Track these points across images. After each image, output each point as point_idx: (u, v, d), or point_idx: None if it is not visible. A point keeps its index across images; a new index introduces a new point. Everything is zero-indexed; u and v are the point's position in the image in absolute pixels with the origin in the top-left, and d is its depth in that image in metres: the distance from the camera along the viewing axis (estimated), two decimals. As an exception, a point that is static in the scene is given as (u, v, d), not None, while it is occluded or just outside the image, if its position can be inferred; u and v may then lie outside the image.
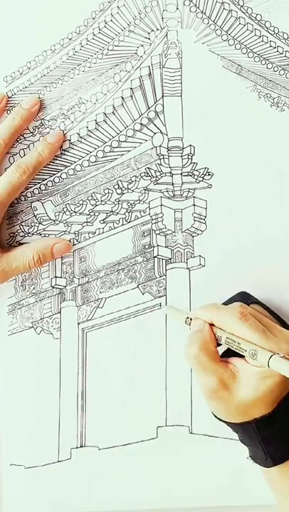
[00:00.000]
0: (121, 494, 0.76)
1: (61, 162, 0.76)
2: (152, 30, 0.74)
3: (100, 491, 0.76)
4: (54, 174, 0.76)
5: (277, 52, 0.74)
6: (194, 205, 0.75)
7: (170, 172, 0.75)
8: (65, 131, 0.76)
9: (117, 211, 0.76)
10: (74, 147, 0.76)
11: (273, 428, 0.65)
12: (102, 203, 0.76)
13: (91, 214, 0.77)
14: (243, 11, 0.74)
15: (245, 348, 0.63)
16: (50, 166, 0.76)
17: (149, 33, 0.74)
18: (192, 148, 0.75)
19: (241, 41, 0.74)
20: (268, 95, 0.75)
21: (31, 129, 0.76)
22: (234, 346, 0.64)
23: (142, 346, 0.75)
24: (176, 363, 0.75)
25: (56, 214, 0.77)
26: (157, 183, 0.75)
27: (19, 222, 0.77)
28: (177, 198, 0.75)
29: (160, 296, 0.75)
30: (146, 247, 0.75)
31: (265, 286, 0.74)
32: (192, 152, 0.75)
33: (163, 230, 0.75)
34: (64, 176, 0.76)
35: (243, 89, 0.75)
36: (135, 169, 0.75)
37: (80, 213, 0.77)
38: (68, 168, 0.76)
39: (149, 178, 0.75)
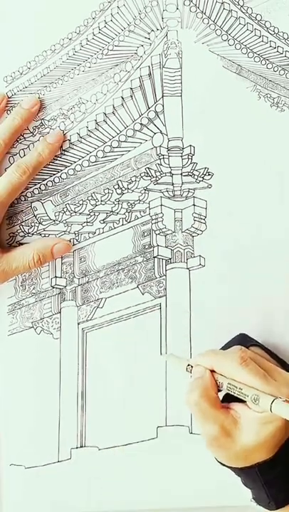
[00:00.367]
0: (121, 494, 0.76)
1: (61, 162, 0.76)
2: (152, 30, 0.74)
3: (100, 491, 0.76)
4: (54, 174, 0.76)
5: (277, 53, 0.74)
6: (194, 205, 0.75)
7: (170, 172, 0.75)
8: (65, 131, 0.76)
9: (117, 211, 0.76)
10: (74, 147, 0.76)
11: (276, 471, 0.65)
12: (102, 203, 0.76)
13: (91, 214, 0.77)
14: (243, 11, 0.74)
15: (247, 393, 0.63)
16: (50, 166, 0.76)
17: (149, 33, 0.74)
18: (192, 148, 0.75)
19: (241, 41, 0.74)
20: (268, 95, 0.75)
21: (31, 129, 0.76)
22: (236, 392, 0.64)
23: (142, 346, 0.75)
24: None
25: (56, 214, 0.77)
26: (157, 183, 0.75)
27: (19, 222, 0.77)
28: (177, 198, 0.75)
29: (160, 297, 0.75)
30: (146, 247, 0.75)
31: (265, 286, 0.75)
32: (192, 152, 0.75)
33: (163, 230, 0.75)
34: (64, 176, 0.76)
35: (243, 89, 0.75)
36: (135, 169, 0.75)
37: (80, 213, 0.77)
38: (68, 168, 0.76)
39: (149, 178, 0.75)
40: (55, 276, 0.77)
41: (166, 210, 0.75)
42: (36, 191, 0.77)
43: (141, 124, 0.75)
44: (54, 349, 0.77)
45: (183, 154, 0.75)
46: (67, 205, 0.77)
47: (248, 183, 0.75)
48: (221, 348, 0.71)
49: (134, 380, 0.75)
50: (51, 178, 0.76)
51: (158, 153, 0.75)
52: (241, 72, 0.75)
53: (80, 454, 0.76)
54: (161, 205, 0.75)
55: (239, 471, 0.66)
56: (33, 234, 0.77)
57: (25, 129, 0.75)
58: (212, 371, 0.66)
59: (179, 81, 0.74)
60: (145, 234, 0.75)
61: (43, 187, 0.77)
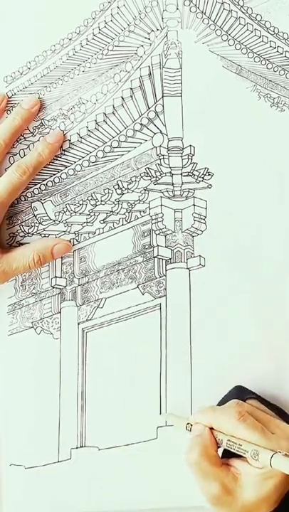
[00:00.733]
0: (121, 494, 0.76)
1: (61, 162, 0.76)
2: (152, 31, 0.74)
3: (100, 491, 0.76)
4: (54, 174, 0.76)
5: (278, 53, 0.74)
6: (194, 205, 0.75)
7: (170, 172, 0.75)
8: (65, 131, 0.76)
9: (117, 211, 0.76)
10: (74, 147, 0.76)
11: None
12: (102, 203, 0.76)
13: (91, 214, 0.77)
14: (243, 11, 0.74)
15: (247, 449, 0.63)
16: (50, 166, 0.76)
17: (149, 33, 0.74)
18: (192, 148, 0.75)
19: (241, 41, 0.74)
20: (268, 95, 0.75)
21: (31, 129, 0.76)
22: (236, 448, 0.64)
23: (141, 346, 0.75)
24: (175, 362, 0.75)
25: (56, 214, 0.77)
26: (157, 183, 0.75)
27: (19, 222, 0.77)
28: (177, 198, 0.75)
29: (160, 297, 0.75)
30: (147, 247, 0.75)
31: (265, 286, 0.75)
32: (192, 152, 0.75)
33: (163, 230, 0.75)
34: (64, 176, 0.76)
35: (243, 89, 0.75)
36: (135, 169, 0.75)
37: (80, 213, 0.77)
38: (68, 168, 0.76)
39: (149, 178, 0.75)
40: (55, 277, 0.77)
41: (166, 210, 0.75)
42: (36, 191, 0.77)
43: (141, 124, 0.75)
44: (54, 349, 0.77)
45: (183, 154, 0.75)
46: (67, 205, 0.77)
47: (248, 183, 0.75)
48: (219, 403, 0.71)
49: (134, 380, 0.75)
50: (51, 178, 0.76)
51: (158, 153, 0.75)
52: (241, 72, 0.75)
53: (80, 454, 0.76)
54: (161, 205, 0.75)
55: None
56: (33, 234, 0.77)
57: (26, 129, 0.75)
58: (211, 428, 0.66)
59: (179, 81, 0.74)
60: (145, 234, 0.75)
61: (43, 187, 0.77)
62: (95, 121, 0.75)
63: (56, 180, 0.76)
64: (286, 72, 0.75)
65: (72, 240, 0.77)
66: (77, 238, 0.77)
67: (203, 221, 0.75)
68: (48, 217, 0.77)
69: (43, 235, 0.77)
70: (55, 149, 0.75)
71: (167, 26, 0.74)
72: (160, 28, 0.74)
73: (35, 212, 0.77)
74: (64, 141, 0.76)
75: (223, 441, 0.65)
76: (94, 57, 0.75)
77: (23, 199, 0.77)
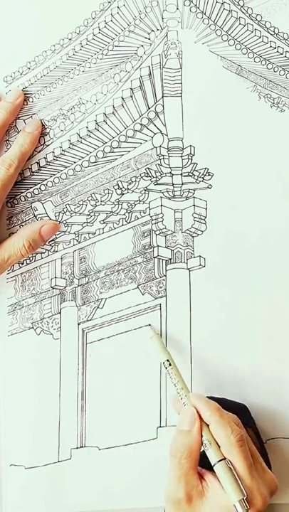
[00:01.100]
0: (121, 494, 0.76)
1: (61, 162, 0.76)
2: (152, 31, 0.74)
3: (100, 491, 0.76)
4: (54, 174, 0.76)
5: (278, 53, 0.74)
6: (194, 205, 0.75)
7: (170, 172, 0.75)
8: (65, 132, 0.76)
9: (117, 211, 0.76)
10: (74, 147, 0.76)
11: None
12: (102, 203, 0.76)
13: (91, 214, 0.77)
14: (243, 11, 0.74)
15: (207, 441, 0.65)
16: (50, 166, 0.76)
17: (149, 33, 0.74)
18: (192, 148, 0.75)
19: (241, 41, 0.74)
20: (268, 96, 0.74)
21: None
22: (207, 450, 0.65)
23: (141, 347, 0.75)
24: (175, 362, 0.75)
25: (56, 214, 0.77)
26: (157, 184, 0.75)
27: (19, 222, 0.77)
28: (177, 199, 0.75)
29: (160, 297, 0.75)
30: (147, 247, 0.75)
31: (265, 286, 0.75)
32: (192, 152, 0.75)
33: (163, 231, 0.75)
34: (64, 176, 0.76)
35: (243, 89, 0.74)
36: (135, 169, 0.75)
37: (80, 213, 0.77)
38: (68, 168, 0.76)
39: (149, 178, 0.75)
40: (55, 277, 0.77)
41: (166, 211, 0.75)
42: (36, 191, 0.77)
43: (141, 124, 0.75)
44: (54, 349, 0.77)
45: (183, 154, 0.75)
46: (67, 206, 0.77)
47: (248, 183, 0.75)
48: (220, 401, 0.70)
49: (134, 380, 0.75)
50: (51, 178, 0.76)
51: (158, 153, 0.75)
52: (241, 72, 0.75)
53: (80, 454, 0.76)
54: (161, 205, 0.75)
55: None
56: (33, 234, 0.77)
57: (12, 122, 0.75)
58: (201, 421, 0.66)
59: (179, 81, 0.74)
60: (145, 234, 0.75)
61: (43, 187, 0.77)
62: (95, 121, 0.75)
63: (56, 180, 0.76)
64: (286, 72, 0.75)
65: (72, 240, 0.77)
66: (77, 238, 0.77)
67: (203, 221, 0.75)
68: (48, 217, 0.77)
69: (43, 235, 0.77)
70: (35, 138, 0.75)
71: (167, 26, 0.74)
72: (160, 28, 0.74)
73: (35, 213, 0.77)
74: (64, 142, 0.76)
75: (207, 445, 0.66)
76: (94, 57, 0.75)
77: (23, 199, 0.77)
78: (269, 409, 0.74)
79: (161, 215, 0.75)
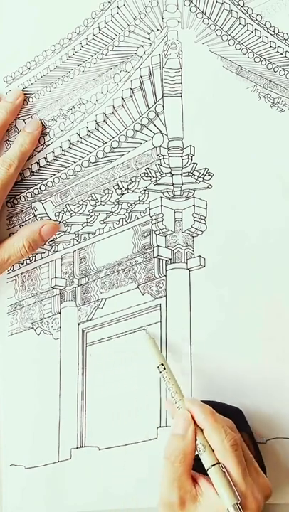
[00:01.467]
0: (121, 494, 0.76)
1: (61, 162, 0.76)
2: (152, 31, 0.74)
3: (100, 491, 0.76)
4: (54, 174, 0.76)
5: (278, 53, 0.74)
6: (194, 205, 0.75)
7: (170, 172, 0.75)
8: (65, 132, 0.76)
9: (117, 211, 0.76)
10: (74, 147, 0.76)
11: None
12: (102, 203, 0.76)
13: (91, 214, 0.77)
14: (243, 11, 0.74)
15: (201, 445, 0.65)
16: (50, 166, 0.76)
17: (149, 33, 0.74)
18: (192, 148, 0.75)
19: (241, 41, 0.74)
20: (268, 96, 0.74)
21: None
22: (200, 453, 0.65)
23: (141, 347, 0.75)
24: (175, 362, 0.75)
25: (56, 214, 0.77)
26: (157, 184, 0.75)
27: (19, 222, 0.77)
28: (177, 199, 0.75)
29: (160, 297, 0.75)
30: (147, 247, 0.75)
31: (265, 286, 0.75)
32: (192, 152, 0.75)
33: (163, 231, 0.75)
34: (64, 176, 0.76)
35: (243, 89, 0.74)
36: (135, 169, 0.75)
37: (80, 213, 0.77)
38: (68, 168, 0.76)
39: (149, 178, 0.75)
40: (55, 277, 0.77)
41: (166, 211, 0.75)
42: (36, 191, 0.77)
43: (141, 124, 0.75)
44: (54, 349, 0.77)
45: (183, 154, 0.75)
46: (67, 206, 0.77)
47: (248, 183, 0.75)
48: (215, 405, 0.69)
49: (134, 380, 0.75)
50: (51, 178, 0.76)
51: (158, 153, 0.75)
52: (241, 72, 0.75)
53: (80, 454, 0.76)
54: (161, 205, 0.75)
55: None
56: (33, 234, 0.77)
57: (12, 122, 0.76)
58: (196, 425, 0.66)
59: (179, 81, 0.74)
60: (145, 234, 0.75)
61: (43, 187, 0.77)
62: (95, 121, 0.75)
63: (56, 180, 0.76)
64: (286, 72, 0.75)
65: (72, 240, 0.77)
66: (77, 238, 0.77)
67: (203, 221, 0.75)
68: (48, 217, 0.77)
69: (43, 235, 0.77)
70: (35, 138, 0.75)
71: (167, 26, 0.74)
72: (160, 28, 0.74)
73: (35, 213, 0.77)
74: (64, 142, 0.76)
75: (200, 449, 0.66)
76: (94, 57, 0.75)
77: (23, 199, 0.77)
78: (269, 409, 0.74)
79: (161, 215, 0.75)
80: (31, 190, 0.77)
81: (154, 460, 0.75)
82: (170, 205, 0.75)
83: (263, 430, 0.74)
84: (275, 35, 0.74)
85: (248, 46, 0.74)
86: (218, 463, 0.64)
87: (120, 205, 0.76)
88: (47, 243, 0.77)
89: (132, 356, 0.75)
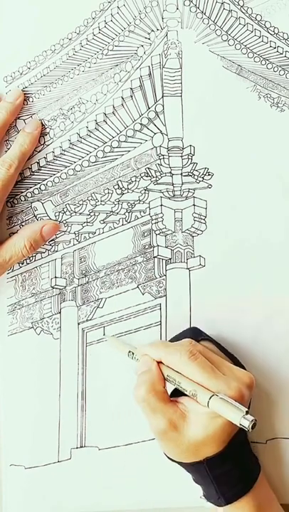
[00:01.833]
0: (121, 494, 0.76)
1: (61, 162, 0.76)
2: (152, 31, 0.74)
3: (100, 491, 0.76)
4: (54, 174, 0.76)
5: (277, 53, 0.74)
6: (194, 205, 0.75)
7: (170, 172, 0.75)
8: (65, 131, 0.76)
9: (117, 211, 0.76)
10: (74, 147, 0.76)
11: (225, 467, 0.65)
12: (102, 203, 0.76)
13: (91, 214, 0.77)
14: (243, 11, 0.74)
15: (186, 387, 0.63)
16: (50, 166, 0.76)
17: (149, 33, 0.74)
18: (192, 148, 0.75)
19: (241, 41, 0.74)
20: (268, 95, 0.75)
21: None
22: (175, 385, 0.64)
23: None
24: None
25: (56, 214, 0.77)
26: (157, 183, 0.75)
27: (19, 222, 0.77)
28: (177, 198, 0.75)
29: (160, 297, 0.75)
30: (147, 247, 0.75)
31: (265, 286, 0.75)
32: (192, 152, 0.75)
33: (163, 230, 0.75)
34: (64, 176, 0.76)
35: (243, 89, 0.74)
36: (135, 169, 0.75)
37: (80, 213, 0.77)
38: (68, 168, 0.76)
39: (149, 178, 0.75)
40: (55, 277, 0.77)
41: (166, 210, 0.75)
42: (36, 191, 0.77)
43: (141, 124, 0.75)
44: (54, 349, 0.77)
45: (183, 154, 0.75)
46: (67, 205, 0.77)
47: (248, 183, 0.75)
48: (171, 340, 0.71)
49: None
50: (51, 178, 0.76)
51: (158, 153, 0.75)
52: (241, 72, 0.75)
53: (80, 454, 0.76)
54: (161, 205, 0.75)
55: (188, 467, 0.67)
56: (33, 234, 0.77)
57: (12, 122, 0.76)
58: (159, 363, 0.66)
59: (179, 81, 0.74)
60: (145, 234, 0.76)
61: (43, 187, 0.77)
62: (95, 121, 0.75)
63: (56, 180, 0.76)
64: (286, 72, 0.75)
65: (72, 240, 0.77)
66: (77, 238, 0.77)
67: (203, 221, 0.75)
68: (48, 217, 0.77)
69: (43, 235, 0.77)
70: (35, 138, 0.75)
71: (167, 26, 0.74)
72: (160, 28, 0.74)
73: (35, 212, 0.77)
74: (63, 141, 0.76)
75: (164, 375, 0.65)
76: (94, 57, 0.75)
77: (23, 199, 0.77)
78: (269, 409, 0.74)
79: (161, 215, 0.75)
80: (31, 190, 0.77)
81: (154, 460, 0.75)
82: (170, 205, 0.75)
83: (263, 430, 0.74)
84: (274, 35, 0.74)
85: (247, 46, 0.74)
86: (212, 395, 0.63)
87: (120, 205, 0.76)
88: (47, 243, 0.77)
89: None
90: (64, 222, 0.77)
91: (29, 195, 0.77)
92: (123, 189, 0.76)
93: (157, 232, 0.75)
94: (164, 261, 0.75)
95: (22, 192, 0.77)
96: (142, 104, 0.75)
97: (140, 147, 0.75)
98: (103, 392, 0.76)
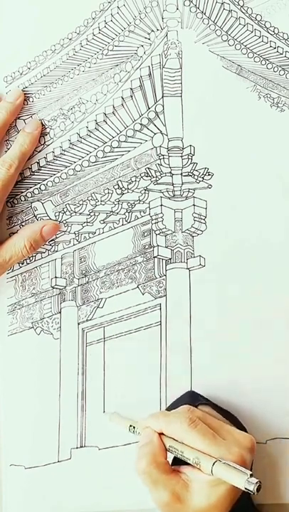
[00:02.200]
0: (121, 494, 0.76)
1: (61, 162, 0.76)
2: (152, 31, 0.74)
3: (100, 491, 0.76)
4: (54, 174, 0.76)
5: (277, 53, 0.74)
6: (194, 205, 0.75)
7: (170, 172, 0.75)
8: (65, 131, 0.76)
9: (117, 211, 0.76)
10: (74, 147, 0.76)
11: None
12: (102, 203, 0.76)
13: (91, 214, 0.77)
14: (243, 11, 0.74)
15: (189, 456, 0.63)
16: (50, 166, 0.76)
17: (149, 33, 0.74)
18: (192, 148, 0.75)
19: (241, 41, 0.74)
20: (268, 95, 0.75)
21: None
22: (178, 455, 0.64)
23: (141, 346, 0.75)
24: (175, 362, 0.75)
25: (56, 214, 0.77)
26: (157, 183, 0.75)
27: (19, 222, 0.77)
28: (177, 198, 0.75)
29: (160, 297, 0.75)
30: (147, 247, 0.75)
31: (265, 286, 0.75)
32: (192, 152, 0.75)
33: (163, 230, 0.75)
34: (64, 176, 0.76)
35: (243, 89, 0.75)
36: (135, 169, 0.75)
37: (80, 213, 0.77)
38: (68, 168, 0.76)
39: (149, 178, 0.75)
40: (55, 277, 0.77)
41: (166, 210, 0.75)
42: (36, 191, 0.77)
43: (141, 124, 0.75)
44: (54, 349, 0.77)
45: (183, 154, 0.75)
46: (67, 205, 0.77)
47: (248, 183, 0.75)
48: (169, 407, 0.71)
49: (134, 380, 0.75)
50: (51, 178, 0.77)
51: (158, 153, 0.75)
52: (241, 72, 0.75)
53: (80, 454, 0.76)
54: (161, 205, 0.75)
55: None
56: (33, 234, 0.77)
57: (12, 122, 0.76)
58: (161, 434, 0.65)
59: (179, 81, 0.74)
60: (145, 234, 0.76)
61: (43, 187, 0.77)
62: (95, 121, 0.75)
63: (56, 180, 0.76)
64: (286, 72, 0.75)
65: (72, 240, 0.77)
66: (77, 238, 0.77)
67: (203, 221, 0.75)
68: (48, 217, 0.77)
69: (43, 235, 0.77)
70: (35, 138, 0.75)
71: (167, 26, 0.74)
72: (160, 28, 0.74)
73: (35, 212, 0.77)
74: (64, 141, 0.76)
75: (166, 446, 0.65)
76: (94, 57, 0.75)
77: (23, 199, 0.77)
78: (269, 409, 0.74)
79: (161, 215, 0.75)
80: (31, 190, 0.77)
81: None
82: (170, 205, 0.75)
83: (263, 430, 0.74)
84: (275, 35, 0.74)
85: (247, 46, 0.74)
86: (215, 461, 0.62)
87: (120, 205, 0.76)
88: (47, 243, 0.77)
89: (131, 356, 0.75)
90: (64, 222, 0.77)
91: (29, 195, 0.77)
92: (123, 189, 0.76)
93: (157, 232, 0.75)
94: (164, 261, 0.75)
95: (22, 192, 0.77)
96: (142, 104, 0.75)
97: (140, 147, 0.75)
98: (103, 392, 0.76)
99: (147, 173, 0.75)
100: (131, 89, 0.75)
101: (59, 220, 0.77)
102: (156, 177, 0.75)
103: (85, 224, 0.77)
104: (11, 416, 0.77)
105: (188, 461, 0.63)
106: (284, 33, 0.74)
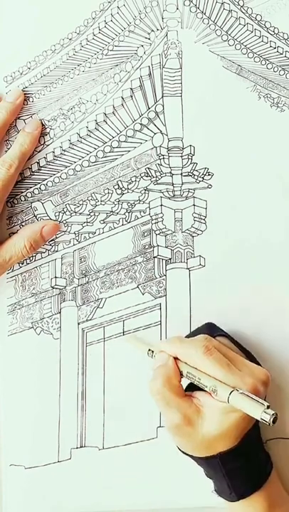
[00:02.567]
0: (121, 494, 0.76)
1: (61, 162, 0.76)
2: (152, 31, 0.74)
3: (100, 491, 0.76)
4: (54, 174, 0.76)
5: (277, 53, 0.74)
6: (194, 205, 0.75)
7: (170, 172, 0.75)
8: (65, 131, 0.76)
9: (117, 211, 0.76)
10: (74, 147, 0.76)
11: (238, 462, 0.65)
12: (102, 203, 0.76)
13: (91, 214, 0.77)
14: (243, 11, 0.74)
15: (206, 383, 0.63)
16: (50, 166, 0.76)
17: (149, 33, 0.74)
18: (192, 148, 0.75)
19: (241, 41, 0.74)
20: (268, 95, 0.75)
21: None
22: (195, 381, 0.64)
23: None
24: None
25: (56, 214, 0.77)
26: (157, 183, 0.75)
27: (19, 222, 0.77)
28: (177, 198, 0.75)
29: (160, 297, 0.75)
30: (147, 247, 0.75)
31: (265, 286, 0.75)
32: (192, 152, 0.75)
33: (163, 230, 0.75)
34: (64, 176, 0.76)
35: (243, 89, 0.74)
36: (135, 169, 0.75)
37: (80, 213, 0.77)
38: (68, 168, 0.76)
39: (149, 178, 0.75)
40: (55, 277, 0.77)
41: (166, 210, 0.75)
42: (36, 191, 0.77)
43: (141, 124, 0.75)
44: (54, 349, 0.77)
45: (183, 154, 0.75)
46: (67, 205, 0.77)
47: (248, 183, 0.75)
48: (187, 336, 0.71)
49: (134, 379, 0.75)
50: (51, 178, 0.77)
51: (158, 153, 0.75)
52: (241, 72, 0.75)
53: (80, 454, 0.76)
54: (161, 205, 0.75)
55: (201, 461, 0.67)
56: (33, 234, 0.77)
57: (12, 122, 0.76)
58: (176, 358, 0.66)
59: (179, 81, 0.74)
60: (145, 234, 0.76)
61: (43, 187, 0.77)
62: (95, 121, 0.75)
63: (56, 180, 0.76)
64: (286, 72, 0.75)
65: (72, 240, 0.77)
66: (77, 238, 0.77)
67: (203, 221, 0.75)
68: (48, 217, 0.77)
69: (43, 235, 0.77)
70: (35, 138, 0.75)
71: (167, 26, 0.74)
72: (160, 28, 0.74)
73: (35, 212, 0.77)
74: (63, 141, 0.76)
75: (183, 372, 0.65)
76: (94, 57, 0.75)
77: (23, 199, 0.77)
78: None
79: (161, 215, 0.75)
80: (31, 190, 0.77)
81: (154, 460, 0.75)
82: (170, 205, 0.75)
83: (263, 430, 0.74)
84: (275, 35, 0.74)
85: (248, 46, 0.74)
86: (232, 390, 0.62)
87: (120, 205, 0.76)
88: (47, 243, 0.77)
89: (132, 356, 0.75)
90: (64, 222, 0.77)
91: (29, 195, 0.77)
92: (123, 189, 0.76)
93: (157, 232, 0.75)
94: (164, 261, 0.75)
95: (22, 192, 0.77)
96: (142, 104, 0.75)
97: (140, 147, 0.75)
98: (103, 392, 0.76)
99: (147, 173, 0.75)
100: (131, 89, 0.74)
101: (59, 220, 0.77)
102: (156, 177, 0.75)
103: (85, 224, 0.77)
104: (11, 416, 0.77)
105: (205, 388, 0.63)
106: (284, 33, 0.74)
